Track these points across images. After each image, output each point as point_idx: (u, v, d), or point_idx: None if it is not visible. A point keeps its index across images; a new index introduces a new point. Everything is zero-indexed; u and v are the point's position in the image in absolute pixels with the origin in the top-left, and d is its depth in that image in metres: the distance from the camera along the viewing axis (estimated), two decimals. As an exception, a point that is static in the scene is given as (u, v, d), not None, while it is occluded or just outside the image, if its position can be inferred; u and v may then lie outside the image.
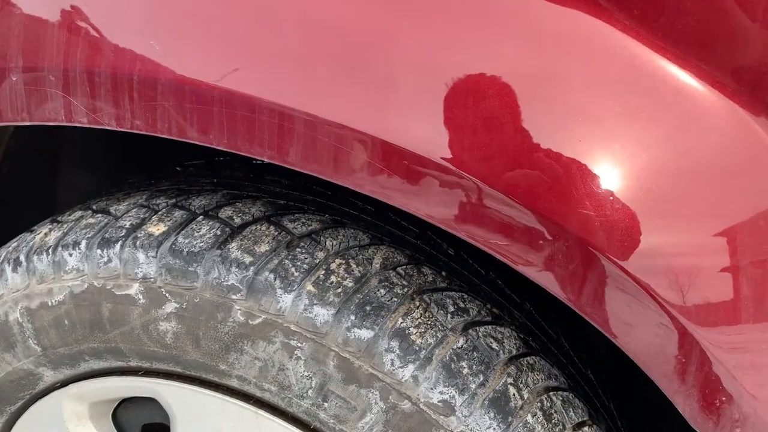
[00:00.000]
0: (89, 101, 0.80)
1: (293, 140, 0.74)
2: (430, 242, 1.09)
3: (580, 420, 0.99)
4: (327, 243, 0.99)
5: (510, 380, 0.93)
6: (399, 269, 0.99)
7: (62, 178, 1.60)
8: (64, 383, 1.15)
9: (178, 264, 0.97)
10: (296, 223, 1.02)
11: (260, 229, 1.00)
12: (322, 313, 0.92)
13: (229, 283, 0.95)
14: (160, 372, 1.06)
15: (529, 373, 0.96)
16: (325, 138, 0.72)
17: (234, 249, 0.97)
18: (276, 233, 0.99)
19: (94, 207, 1.12)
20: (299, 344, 0.93)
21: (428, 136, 0.72)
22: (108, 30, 0.79)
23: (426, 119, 0.73)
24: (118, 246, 1.00)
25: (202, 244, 0.98)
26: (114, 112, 0.79)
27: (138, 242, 1.00)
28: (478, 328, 0.96)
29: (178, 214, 1.03)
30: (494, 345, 0.95)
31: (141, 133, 0.84)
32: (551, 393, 0.97)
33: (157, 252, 0.98)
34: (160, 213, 1.04)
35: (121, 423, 1.19)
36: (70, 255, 1.03)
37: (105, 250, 1.01)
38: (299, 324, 0.93)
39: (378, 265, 0.98)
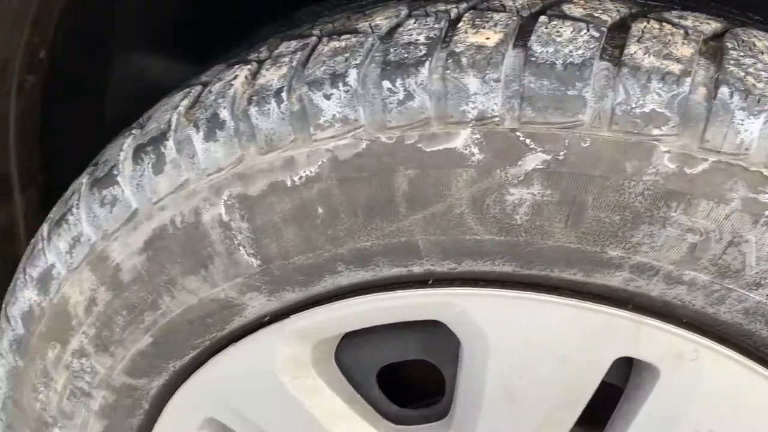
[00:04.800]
0: None
1: None
2: None
3: None
4: None
5: None
6: None
7: (117, 59, 1.18)
8: (277, 316, 0.75)
9: (546, 87, 0.58)
10: (693, 21, 0.64)
11: (653, 27, 0.61)
12: (817, 146, 0.56)
13: (645, 110, 0.57)
14: (460, 278, 0.68)
15: None
16: None
17: (638, 55, 0.58)
18: (683, 32, 0.61)
19: (315, 33, 0.70)
20: (774, 200, 0.57)
21: None
22: None
23: None
24: (438, 71, 0.59)
25: (581, 52, 0.58)
26: None
27: (464, 60, 0.59)
28: None
29: (500, 17, 0.63)
30: None
31: None
32: None
33: (501, 72, 0.58)
34: (465, 20, 0.64)
35: (345, 368, 0.80)
36: (327, 97, 0.62)
37: (399, 81, 0.60)
38: (778, 167, 0.56)
39: None
